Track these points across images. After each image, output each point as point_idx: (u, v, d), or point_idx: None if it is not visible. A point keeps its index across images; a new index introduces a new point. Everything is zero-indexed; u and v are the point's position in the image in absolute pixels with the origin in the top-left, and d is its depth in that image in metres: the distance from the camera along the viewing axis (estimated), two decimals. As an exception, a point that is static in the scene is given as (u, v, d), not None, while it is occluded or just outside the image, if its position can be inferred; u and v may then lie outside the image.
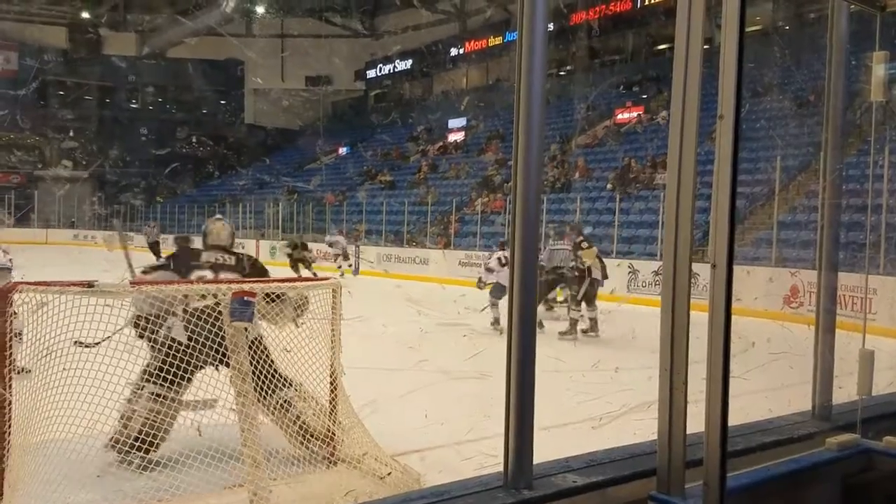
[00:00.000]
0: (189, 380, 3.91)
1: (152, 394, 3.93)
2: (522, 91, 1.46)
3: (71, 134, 39.64)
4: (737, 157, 1.36)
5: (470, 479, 1.46)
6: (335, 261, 19.23)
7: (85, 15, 41.76)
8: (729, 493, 1.41)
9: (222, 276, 4.55)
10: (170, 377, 3.78)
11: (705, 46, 1.49)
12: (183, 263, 4.64)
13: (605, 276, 9.92)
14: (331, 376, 4.23)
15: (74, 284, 3.39)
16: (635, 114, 24.05)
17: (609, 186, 19.69)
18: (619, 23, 29.12)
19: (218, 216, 5.30)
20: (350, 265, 19.45)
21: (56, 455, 3.37)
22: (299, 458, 3.94)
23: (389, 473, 3.80)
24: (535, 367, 1.39)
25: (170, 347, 3.78)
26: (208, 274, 4.57)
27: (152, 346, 3.99)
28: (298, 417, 4.12)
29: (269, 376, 3.87)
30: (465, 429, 4.77)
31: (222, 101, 43.93)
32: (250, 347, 3.76)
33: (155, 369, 3.89)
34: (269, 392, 3.90)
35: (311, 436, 4.08)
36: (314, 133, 38.13)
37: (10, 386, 3.32)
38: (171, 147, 37.49)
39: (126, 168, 38.33)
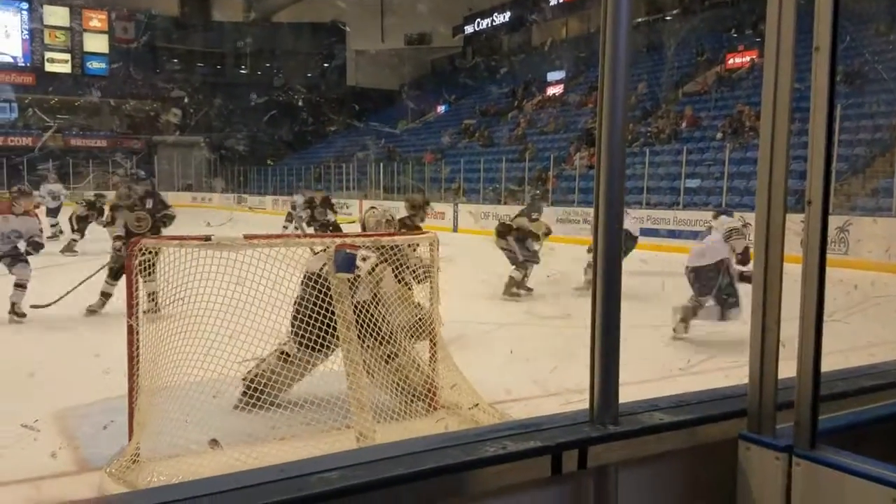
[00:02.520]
0: (329, 350, 4.01)
1: (285, 353, 4.10)
2: (608, 38, 1.45)
3: (182, 104, 41.45)
4: (833, 90, 1.31)
5: (556, 414, 1.50)
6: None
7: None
8: (823, 434, 1.40)
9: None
10: (311, 342, 3.91)
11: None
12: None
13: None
14: (429, 328, 4.37)
15: (192, 238, 3.64)
16: (748, 58, 22.74)
17: (719, 136, 18.84)
18: (730, -40, 27.46)
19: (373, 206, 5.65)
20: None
21: (180, 397, 3.65)
22: (399, 411, 4.05)
23: (477, 405, 3.94)
24: (620, 302, 1.42)
25: (319, 312, 3.86)
26: None
27: (301, 307, 4.03)
28: (400, 370, 4.24)
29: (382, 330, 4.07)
30: (549, 366, 4.84)
31: (326, 64, 44.76)
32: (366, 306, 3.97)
33: (299, 330, 3.99)
34: (378, 345, 4.08)
35: (414, 391, 4.19)
36: (413, 92, 38.35)
37: (138, 332, 3.62)
38: (271, 98, 38.37)
39: (234, 129, 39.90)
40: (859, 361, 1.88)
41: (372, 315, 4.04)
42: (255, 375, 4.05)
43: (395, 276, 4.32)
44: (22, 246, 7.34)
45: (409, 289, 4.47)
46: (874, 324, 6.93)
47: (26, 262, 7.35)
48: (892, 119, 13.47)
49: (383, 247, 4.24)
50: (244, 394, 4.00)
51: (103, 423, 3.92)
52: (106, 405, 4.19)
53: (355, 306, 3.90)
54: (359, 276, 3.95)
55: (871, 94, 14.80)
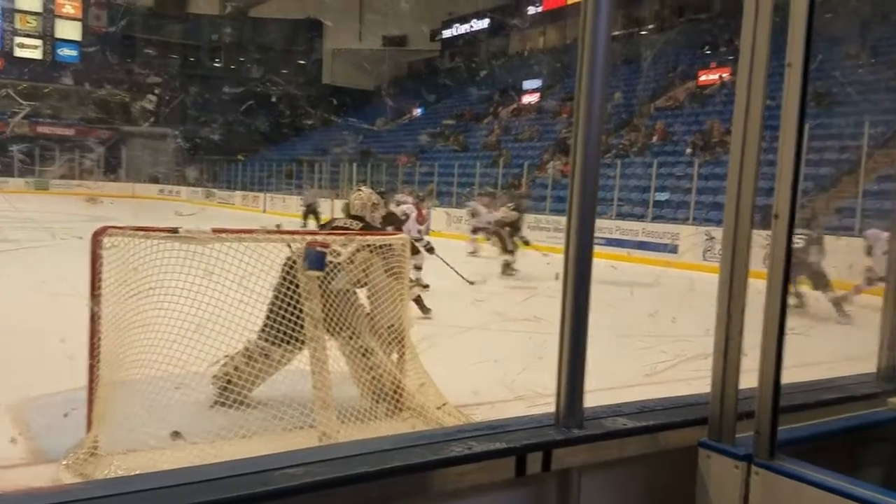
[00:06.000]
0: (301, 345, 3.91)
1: (249, 350, 4.01)
2: (585, 51, 1.46)
3: (156, 91, 40.79)
4: (804, 107, 1.34)
5: (521, 416, 1.51)
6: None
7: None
8: (782, 444, 1.42)
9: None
10: (279, 338, 3.84)
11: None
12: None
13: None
14: (399, 329, 4.35)
15: (159, 230, 3.59)
16: (719, 75, 23.11)
17: (688, 151, 19.10)
18: (706, -22, 27.89)
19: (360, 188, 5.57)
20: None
21: (141, 390, 3.59)
22: (365, 412, 4.02)
23: (445, 404, 3.94)
24: (589, 308, 1.43)
25: (290, 305, 3.80)
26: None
27: (276, 299, 3.96)
28: (373, 369, 4.21)
29: (356, 323, 4.04)
30: (517, 368, 4.87)
31: (301, 61, 44.43)
32: (344, 295, 3.95)
33: (269, 325, 3.93)
34: (353, 337, 4.05)
35: (382, 391, 4.15)
36: (389, 94, 38.27)
37: (99, 323, 3.55)
38: (247, 88, 37.93)
39: (209, 119, 39.37)
40: (819, 375, 1.92)
41: (351, 305, 4.00)
42: (226, 374, 3.98)
43: (386, 269, 4.26)
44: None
45: (401, 284, 4.37)
46: (835, 338, 7.13)
47: None
48: (859, 140, 13.76)
49: (363, 246, 4.21)
50: (220, 393, 3.94)
51: (62, 413, 3.84)
52: (67, 395, 4.10)
53: (333, 293, 3.87)
54: (337, 265, 3.92)
55: (840, 115, 15.11)
